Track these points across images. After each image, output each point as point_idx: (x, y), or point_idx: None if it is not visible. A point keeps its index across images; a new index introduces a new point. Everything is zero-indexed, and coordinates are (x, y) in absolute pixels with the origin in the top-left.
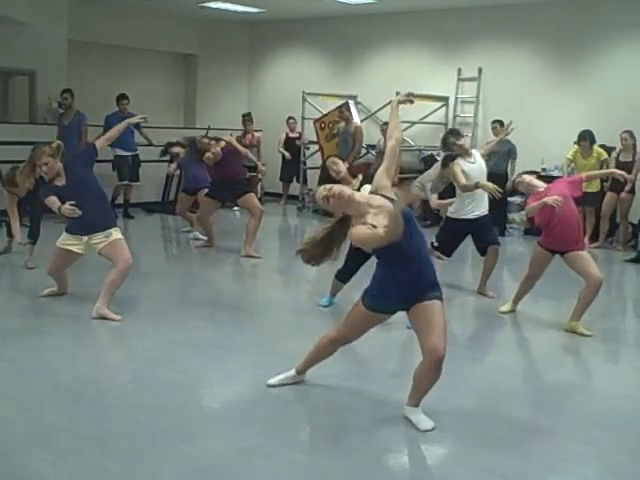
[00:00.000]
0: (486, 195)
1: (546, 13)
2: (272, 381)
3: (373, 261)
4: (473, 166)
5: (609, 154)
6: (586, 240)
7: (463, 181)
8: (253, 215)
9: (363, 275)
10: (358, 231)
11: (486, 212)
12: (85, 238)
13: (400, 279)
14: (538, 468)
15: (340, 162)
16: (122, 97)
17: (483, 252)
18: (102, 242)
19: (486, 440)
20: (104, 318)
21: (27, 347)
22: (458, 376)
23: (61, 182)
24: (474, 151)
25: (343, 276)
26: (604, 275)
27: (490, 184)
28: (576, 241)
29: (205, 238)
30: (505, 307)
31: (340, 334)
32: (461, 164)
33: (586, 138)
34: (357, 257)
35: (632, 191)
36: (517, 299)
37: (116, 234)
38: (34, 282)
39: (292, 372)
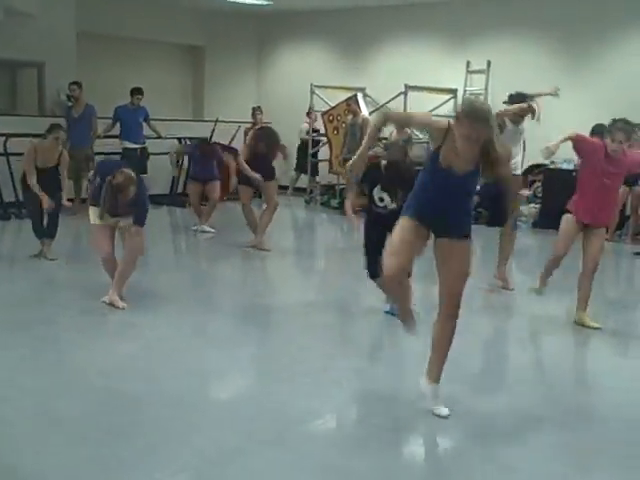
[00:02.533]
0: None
1: (555, 5)
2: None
3: None
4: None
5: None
6: None
7: None
8: (267, 206)
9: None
10: None
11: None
12: (115, 219)
13: (427, 191)
14: (544, 459)
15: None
16: (137, 91)
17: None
18: (127, 222)
19: (494, 432)
20: (112, 305)
21: (40, 338)
22: (465, 367)
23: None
24: None
25: (371, 273)
26: (613, 267)
27: None
28: (607, 218)
29: (213, 230)
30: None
31: (396, 265)
32: None
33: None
34: (370, 251)
35: None
36: (544, 280)
37: None
38: (47, 274)
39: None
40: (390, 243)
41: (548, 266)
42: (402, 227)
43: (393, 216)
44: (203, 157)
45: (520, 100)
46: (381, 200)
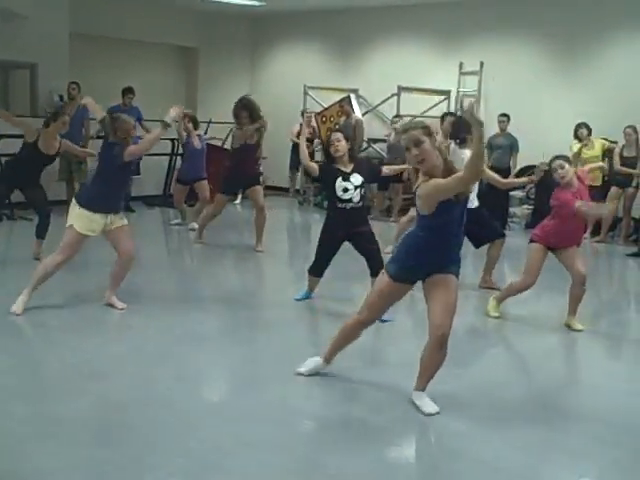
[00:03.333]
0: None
1: (550, 6)
2: (301, 370)
3: (344, 254)
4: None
5: (612, 149)
6: (587, 234)
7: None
8: (255, 210)
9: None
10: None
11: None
12: (110, 217)
13: (430, 248)
14: (536, 461)
15: (344, 141)
16: (128, 91)
17: (477, 244)
18: (116, 225)
19: (484, 434)
20: (111, 306)
21: (32, 340)
22: (457, 369)
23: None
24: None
25: (316, 271)
26: (606, 269)
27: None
28: (578, 239)
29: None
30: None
31: (363, 317)
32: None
33: (582, 127)
34: (327, 251)
35: (637, 186)
36: (502, 299)
37: (125, 219)
38: None
39: (319, 360)
40: (371, 294)
41: (511, 292)
42: (384, 285)
43: (354, 218)
44: (198, 155)
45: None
46: (345, 191)
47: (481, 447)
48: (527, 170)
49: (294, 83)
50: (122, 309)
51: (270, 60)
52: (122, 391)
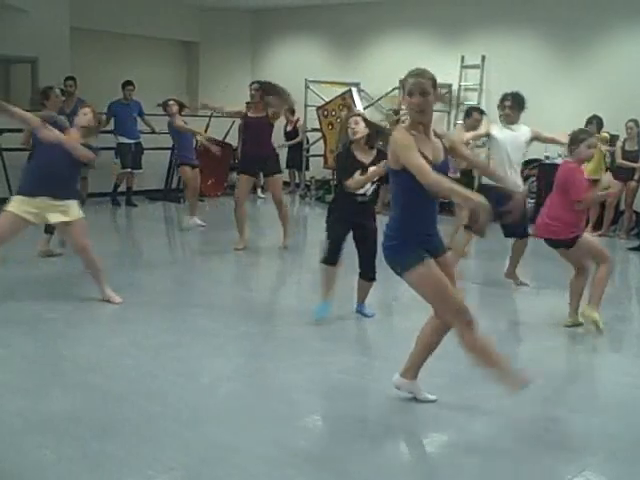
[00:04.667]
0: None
1: (550, 0)
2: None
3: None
4: (509, 133)
5: (614, 143)
6: (589, 228)
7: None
8: (275, 203)
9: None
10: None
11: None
12: (39, 200)
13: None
14: (536, 454)
15: (362, 123)
16: (127, 83)
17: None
18: (59, 217)
19: (484, 427)
20: (108, 301)
21: (29, 334)
22: (459, 360)
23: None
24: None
25: (334, 259)
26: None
27: None
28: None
29: (204, 224)
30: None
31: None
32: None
33: (592, 122)
34: (338, 233)
35: (639, 180)
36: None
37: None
38: (39, 269)
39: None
40: (442, 290)
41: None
42: (430, 273)
43: (361, 212)
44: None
45: None
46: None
47: (481, 440)
48: (531, 163)
49: (295, 77)
50: (121, 302)
51: (271, 54)
52: (120, 384)
